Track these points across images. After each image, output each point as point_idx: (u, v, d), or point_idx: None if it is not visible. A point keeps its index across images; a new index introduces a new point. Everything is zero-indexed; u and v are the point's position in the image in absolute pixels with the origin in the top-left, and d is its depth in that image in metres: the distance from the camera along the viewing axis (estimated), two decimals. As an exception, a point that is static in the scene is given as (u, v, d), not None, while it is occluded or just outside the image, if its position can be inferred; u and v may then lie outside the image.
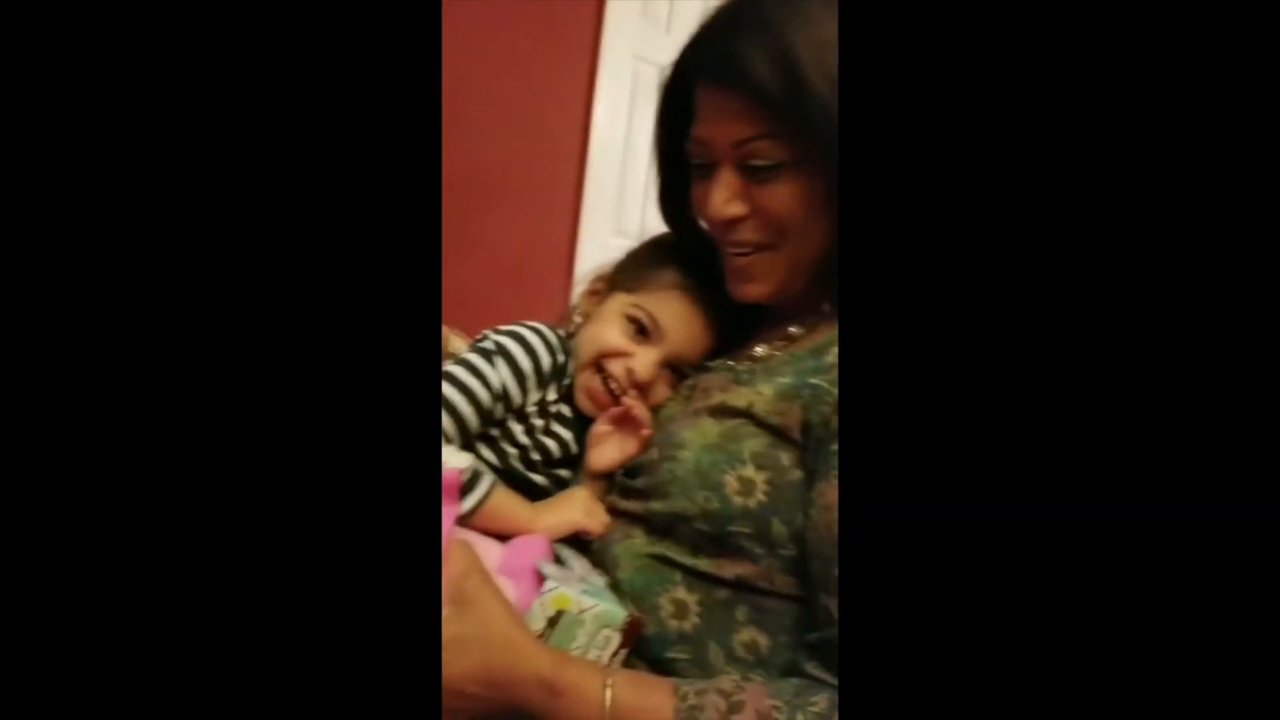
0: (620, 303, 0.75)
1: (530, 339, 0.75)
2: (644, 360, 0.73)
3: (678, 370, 0.75)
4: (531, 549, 0.68)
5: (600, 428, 0.74)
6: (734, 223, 0.67)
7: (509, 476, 0.76)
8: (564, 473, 0.80)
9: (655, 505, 0.65)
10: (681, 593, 0.63)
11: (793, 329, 0.71)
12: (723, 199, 0.66)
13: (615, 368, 0.74)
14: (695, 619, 0.62)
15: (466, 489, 0.69)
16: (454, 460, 0.68)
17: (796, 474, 0.59)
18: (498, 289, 1.60)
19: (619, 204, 1.86)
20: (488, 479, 0.70)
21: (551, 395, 0.77)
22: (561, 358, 0.76)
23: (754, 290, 0.69)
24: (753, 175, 0.65)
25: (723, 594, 0.62)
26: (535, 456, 0.77)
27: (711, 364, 0.73)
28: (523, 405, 0.75)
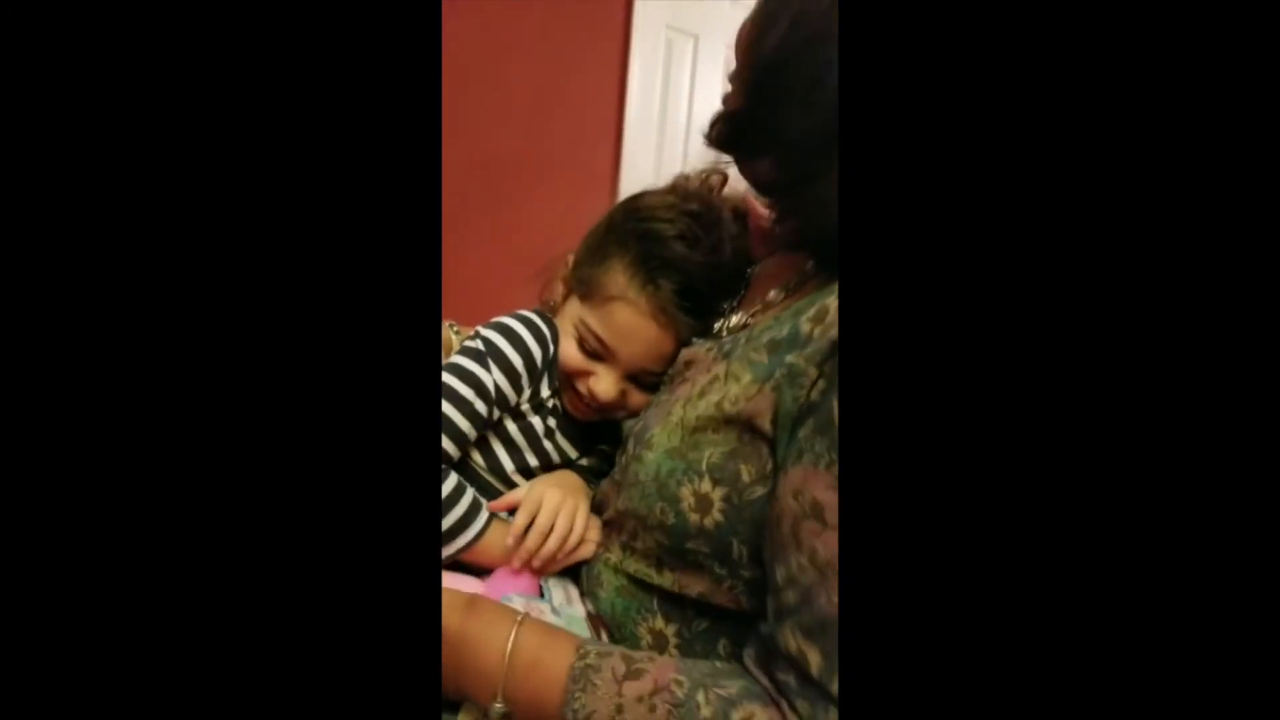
0: (574, 312, 0.71)
1: (520, 332, 0.72)
2: (604, 382, 0.70)
3: (647, 377, 0.71)
4: (508, 583, 0.66)
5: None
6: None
7: (503, 482, 0.73)
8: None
9: (621, 502, 0.62)
10: (659, 623, 0.61)
11: (772, 293, 0.66)
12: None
13: (581, 386, 0.71)
14: (674, 651, 0.60)
15: (459, 527, 0.67)
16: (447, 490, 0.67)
17: (758, 490, 0.54)
18: (530, 273, 1.56)
19: (656, 179, 1.81)
20: (483, 516, 0.68)
21: (545, 391, 0.74)
22: (552, 349, 0.73)
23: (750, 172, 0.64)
24: None
25: (702, 625, 0.59)
26: (531, 460, 0.74)
27: (694, 340, 0.69)
28: (518, 403, 0.72)
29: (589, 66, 1.73)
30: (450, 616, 0.55)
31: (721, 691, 0.49)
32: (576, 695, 0.51)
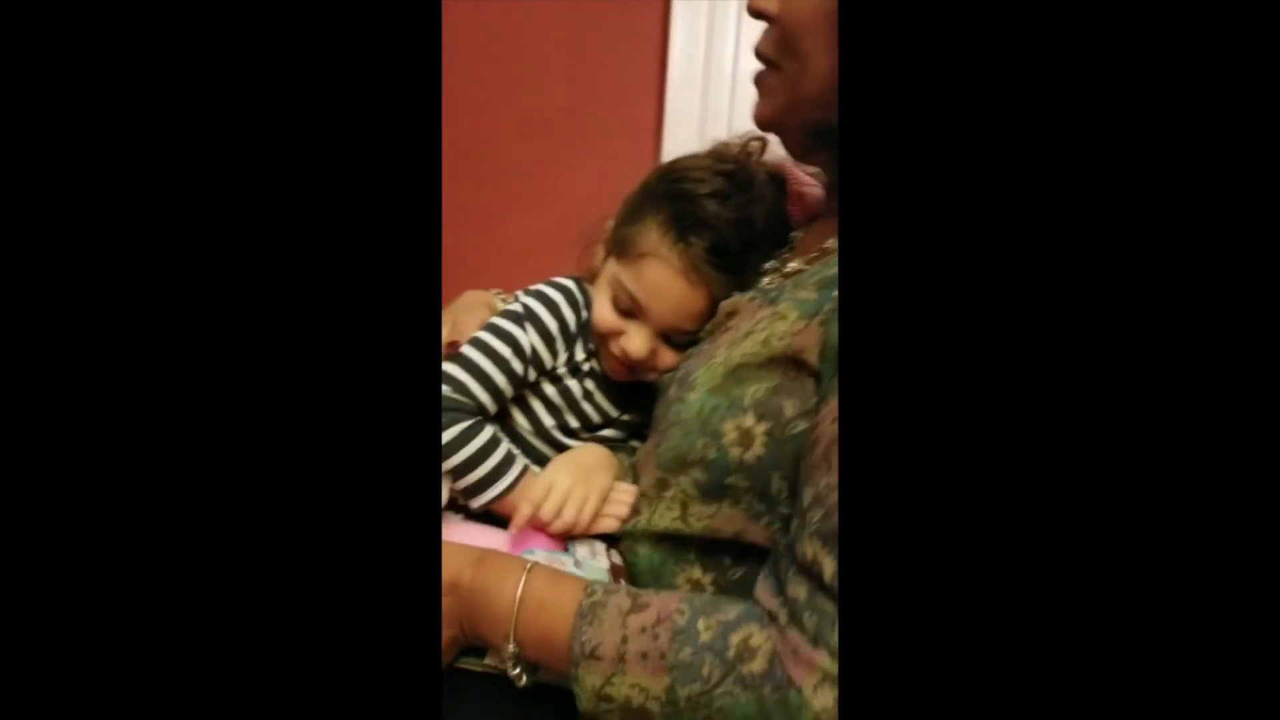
0: (610, 273, 0.72)
1: (555, 298, 0.74)
2: (635, 340, 0.71)
3: (678, 336, 0.71)
4: (532, 539, 0.68)
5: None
6: (764, 24, 0.63)
7: (546, 441, 0.75)
8: (609, 433, 0.79)
9: (662, 446, 0.63)
10: (696, 571, 0.62)
11: (828, 243, 0.65)
12: None
13: (614, 346, 0.72)
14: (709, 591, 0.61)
15: (492, 477, 0.69)
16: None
17: (799, 426, 0.55)
18: (576, 234, 1.56)
19: (701, 137, 1.78)
20: (517, 467, 0.70)
21: (580, 354, 0.76)
22: (585, 313, 0.75)
23: (761, 109, 0.65)
24: None
25: (737, 572, 0.60)
26: (572, 421, 0.76)
27: (744, 291, 0.69)
28: (554, 366, 0.74)
29: (631, 21, 1.69)
30: (463, 571, 0.58)
31: (721, 616, 0.51)
32: (583, 629, 0.52)
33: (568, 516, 0.66)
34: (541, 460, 0.74)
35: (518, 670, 0.56)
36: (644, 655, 0.50)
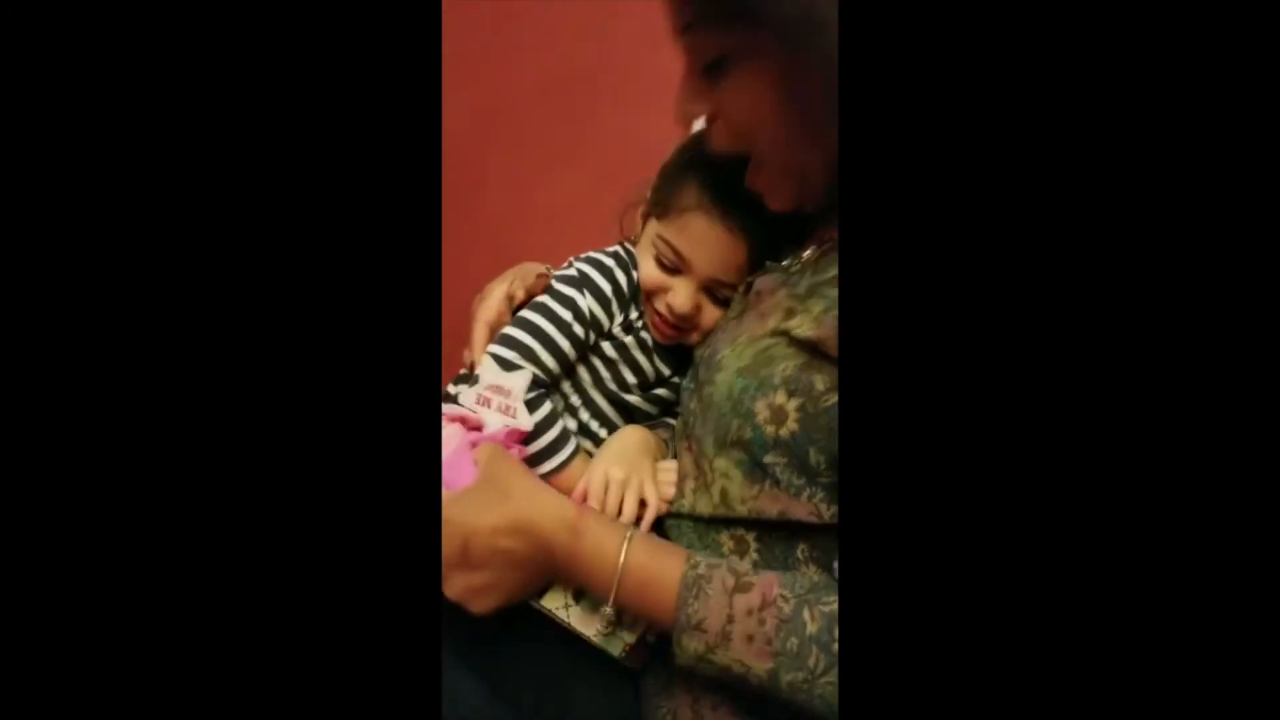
0: (652, 231, 0.74)
1: (607, 263, 0.77)
2: (680, 295, 0.72)
3: (720, 290, 0.73)
4: None
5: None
6: (709, 130, 0.61)
7: (606, 397, 0.78)
8: (662, 391, 0.81)
9: (698, 430, 0.64)
10: (740, 530, 0.62)
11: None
12: (682, 99, 0.60)
13: (659, 304, 0.74)
14: (754, 555, 0.62)
15: (547, 453, 0.71)
16: (528, 415, 0.71)
17: (832, 398, 0.55)
18: (616, 190, 1.54)
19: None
20: (570, 446, 0.72)
21: (634, 315, 0.78)
22: (636, 275, 0.77)
23: (774, 206, 0.64)
24: (706, 73, 0.58)
25: (781, 534, 0.61)
26: (630, 378, 0.78)
27: (768, 264, 0.70)
28: (610, 328, 0.77)
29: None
30: (558, 535, 0.58)
31: (824, 608, 0.52)
32: (690, 601, 0.54)
33: (628, 512, 0.67)
34: (600, 415, 0.78)
35: (610, 628, 0.58)
36: (750, 638, 0.52)
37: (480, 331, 0.75)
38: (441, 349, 0.79)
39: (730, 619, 0.53)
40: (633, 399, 0.79)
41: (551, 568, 0.59)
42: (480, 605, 0.59)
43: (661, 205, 0.73)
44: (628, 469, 0.69)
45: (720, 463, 0.61)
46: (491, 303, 0.77)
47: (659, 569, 0.56)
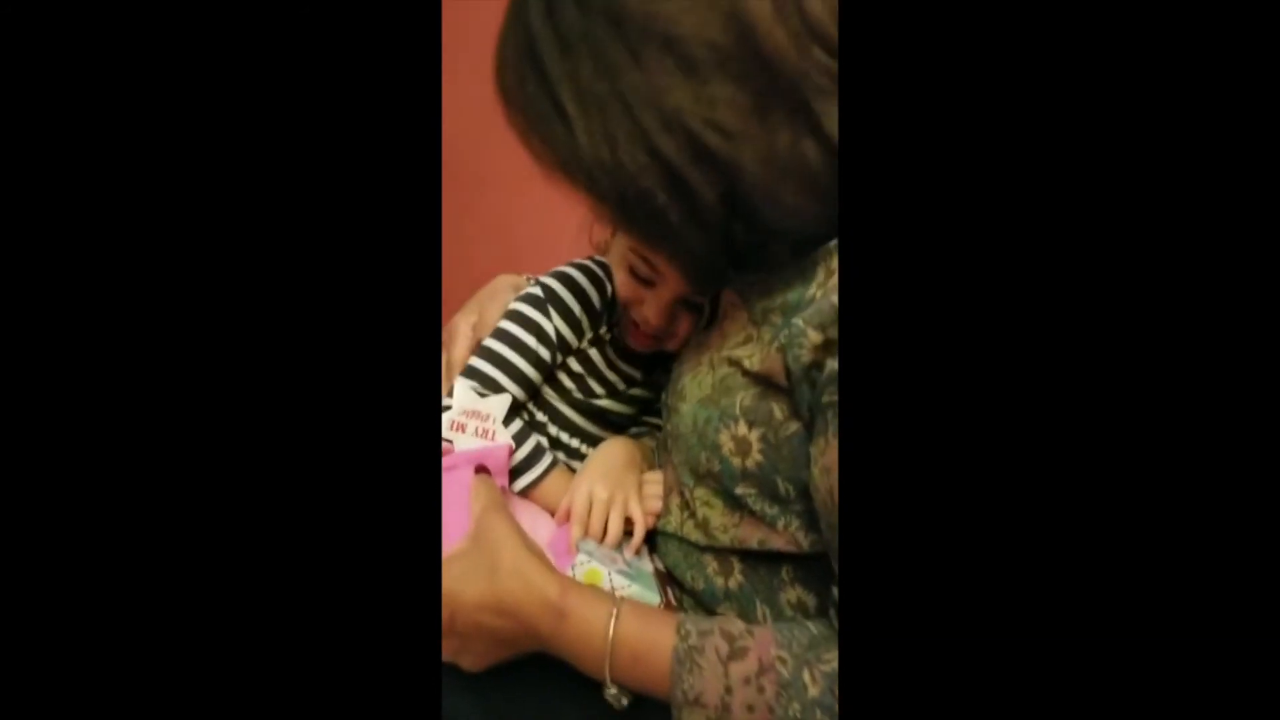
0: (622, 244, 0.71)
1: (578, 279, 0.75)
2: (653, 306, 0.71)
3: (691, 300, 0.72)
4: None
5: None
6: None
7: (574, 408, 0.78)
8: (636, 391, 0.80)
9: (675, 459, 0.64)
10: (725, 553, 0.62)
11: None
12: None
13: (635, 315, 0.73)
14: (740, 577, 0.61)
15: (522, 467, 0.71)
16: (507, 435, 0.71)
17: (792, 426, 0.55)
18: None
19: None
20: (545, 460, 0.72)
21: (603, 330, 0.78)
22: (610, 288, 0.76)
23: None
24: None
25: (762, 567, 0.60)
26: (597, 388, 0.78)
27: (731, 275, 0.68)
28: (579, 345, 0.76)
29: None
30: (542, 621, 0.56)
31: (824, 667, 0.51)
32: (684, 676, 0.53)
33: (613, 533, 0.67)
34: (570, 426, 0.77)
35: (616, 693, 0.57)
36: (750, 708, 0.51)
37: (452, 367, 0.76)
38: (441, 352, 0.79)
39: (728, 689, 0.51)
40: (603, 404, 0.78)
41: (539, 645, 0.58)
42: (469, 666, 0.59)
43: None
44: (611, 487, 0.68)
45: (700, 491, 0.62)
46: (458, 339, 0.77)
47: (650, 642, 0.55)
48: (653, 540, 0.70)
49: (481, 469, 0.68)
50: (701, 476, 0.61)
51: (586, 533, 0.66)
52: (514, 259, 1.61)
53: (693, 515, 0.63)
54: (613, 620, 0.55)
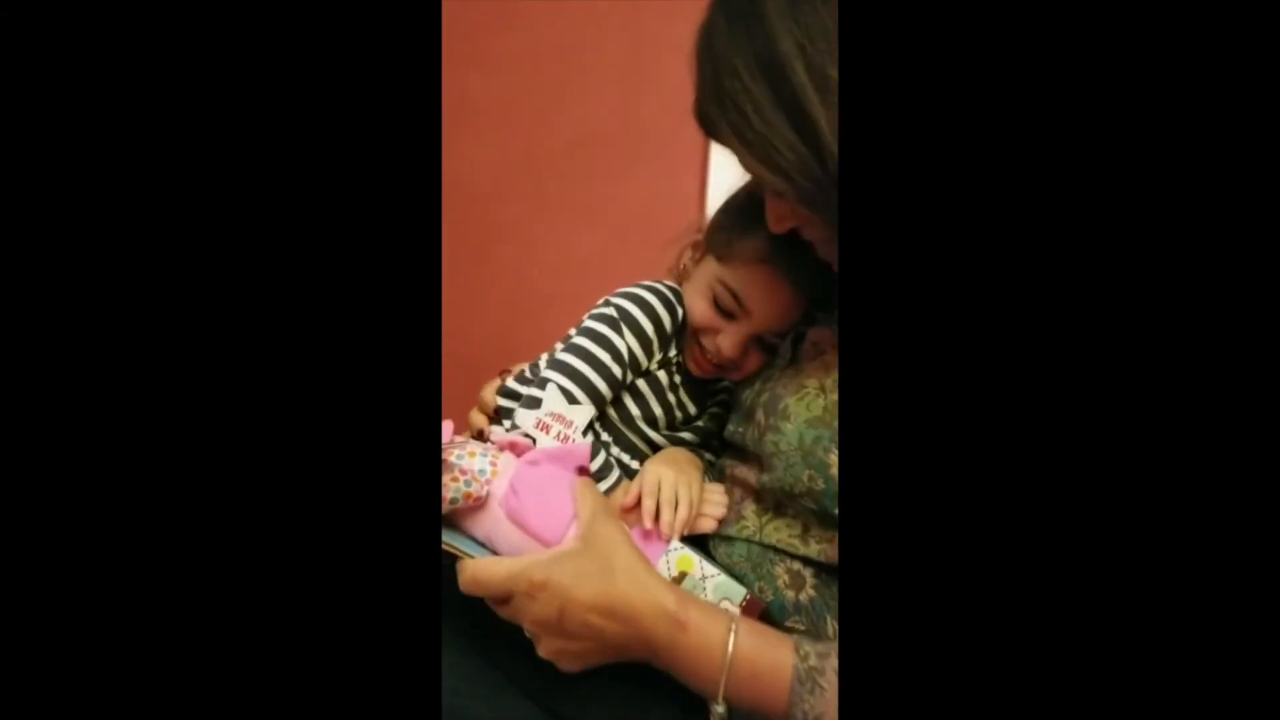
0: (710, 271, 0.73)
1: (651, 300, 0.75)
2: (731, 339, 0.72)
3: (769, 337, 0.73)
4: (643, 546, 0.67)
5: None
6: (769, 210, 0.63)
7: (634, 433, 0.77)
8: (685, 434, 0.80)
9: (765, 478, 0.64)
10: (797, 564, 0.62)
11: None
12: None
13: (707, 343, 0.74)
14: (811, 591, 0.61)
15: (595, 478, 0.70)
16: (585, 444, 0.70)
17: None
18: (627, 250, 1.58)
19: (748, 153, 1.78)
20: (615, 474, 0.72)
21: (673, 352, 0.78)
22: (680, 313, 0.76)
23: (824, 255, 0.64)
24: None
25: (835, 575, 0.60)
26: (659, 413, 0.78)
27: (818, 315, 0.71)
28: (648, 366, 0.76)
29: (676, 41, 1.72)
30: (657, 628, 0.55)
31: None
32: (805, 698, 0.52)
33: (682, 511, 0.66)
34: (629, 447, 0.77)
35: (723, 711, 0.55)
36: None
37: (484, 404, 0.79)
38: (442, 365, 0.81)
39: None
40: (658, 436, 0.78)
41: (649, 654, 0.56)
42: (569, 667, 0.57)
43: (724, 248, 0.73)
44: (677, 474, 0.69)
45: (793, 507, 0.62)
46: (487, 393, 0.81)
47: (771, 662, 0.53)
48: (705, 548, 0.69)
49: (584, 470, 0.67)
50: (796, 496, 0.61)
51: (657, 504, 0.66)
52: (521, 309, 1.65)
53: (788, 520, 0.63)
54: (732, 635, 0.54)
